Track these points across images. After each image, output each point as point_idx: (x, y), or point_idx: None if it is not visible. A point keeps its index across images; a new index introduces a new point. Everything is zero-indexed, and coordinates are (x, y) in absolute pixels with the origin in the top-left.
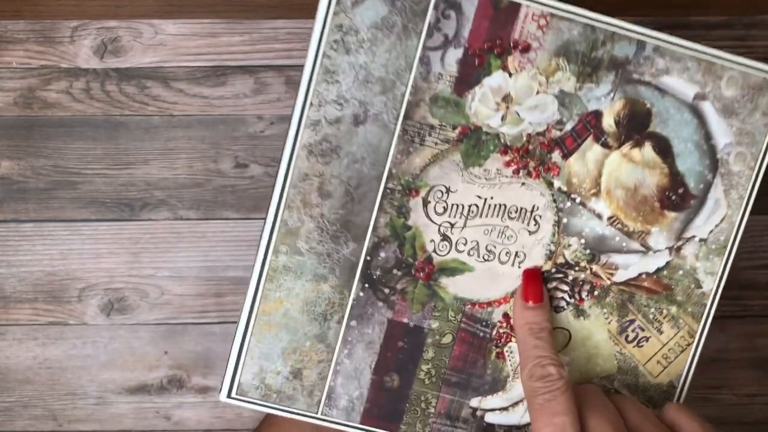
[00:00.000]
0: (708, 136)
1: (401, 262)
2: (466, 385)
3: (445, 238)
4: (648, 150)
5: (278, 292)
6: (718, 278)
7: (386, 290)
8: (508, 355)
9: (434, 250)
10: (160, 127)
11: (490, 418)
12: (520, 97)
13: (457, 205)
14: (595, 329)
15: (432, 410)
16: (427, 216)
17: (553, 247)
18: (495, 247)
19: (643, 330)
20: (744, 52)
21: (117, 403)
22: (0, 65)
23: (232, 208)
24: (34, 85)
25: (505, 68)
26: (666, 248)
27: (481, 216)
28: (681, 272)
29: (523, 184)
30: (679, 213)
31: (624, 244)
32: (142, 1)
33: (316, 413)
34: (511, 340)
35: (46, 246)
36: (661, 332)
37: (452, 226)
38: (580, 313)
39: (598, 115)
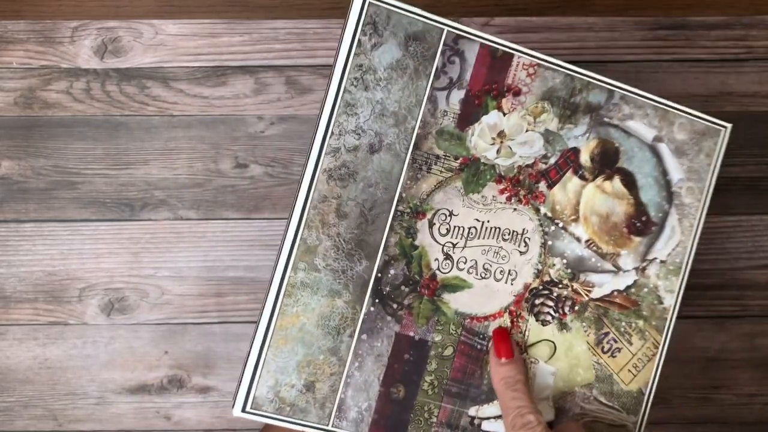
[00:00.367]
0: (665, 172)
1: (409, 279)
2: (465, 395)
3: (447, 257)
4: (617, 183)
5: (295, 306)
6: (676, 295)
7: (395, 305)
8: None
9: (438, 268)
10: (161, 127)
11: (486, 426)
12: (513, 133)
13: (459, 227)
14: (576, 341)
15: (434, 420)
16: (432, 237)
17: (540, 266)
18: (491, 265)
19: (616, 342)
20: (744, 52)
21: (117, 403)
22: (0, 65)
23: (232, 208)
24: (34, 85)
25: (500, 108)
26: (633, 268)
27: (479, 237)
28: (646, 290)
29: (514, 209)
30: (643, 238)
31: (599, 265)
32: (142, 1)
33: (327, 425)
34: None
35: (47, 246)
36: (631, 343)
37: (454, 246)
38: (563, 326)
39: (576, 151)
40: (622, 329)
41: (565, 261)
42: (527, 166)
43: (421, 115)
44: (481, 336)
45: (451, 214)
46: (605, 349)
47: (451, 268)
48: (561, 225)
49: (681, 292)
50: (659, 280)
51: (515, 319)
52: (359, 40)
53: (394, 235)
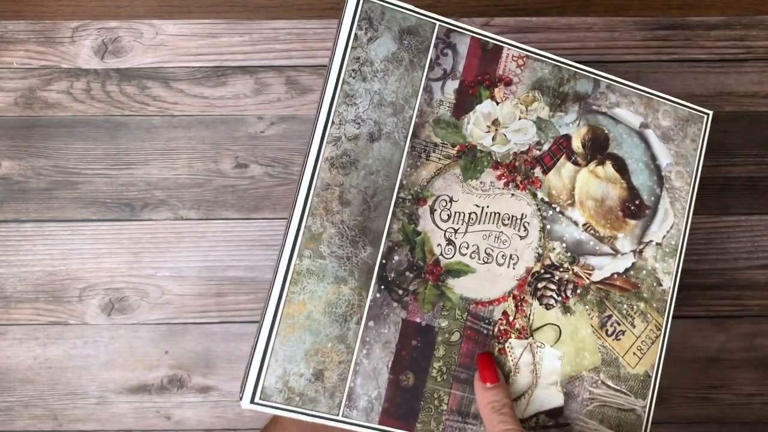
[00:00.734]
0: (654, 157)
1: (413, 265)
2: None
3: (450, 242)
4: (609, 168)
5: (302, 294)
6: (673, 277)
7: (400, 291)
8: (509, 351)
9: (441, 254)
10: (161, 127)
11: None
12: (506, 121)
13: (459, 213)
14: (580, 324)
15: (445, 407)
16: (434, 222)
17: (540, 251)
18: (493, 250)
19: (619, 324)
20: (744, 53)
21: (117, 402)
22: (1, 65)
23: (232, 208)
24: (34, 86)
25: (493, 98)
26: (630, 251)
27: (479, 222)
28: (644, 272)
29: (512, 194)
30: (637, 221)
31: (597, 248)
32: (143, 1)
33: (338, 415)
34: (510, 336)
35: (47, 246)
36: (634, 326)
37: (456, 231)
38: (566, 309)
39: (568, 138)
40: (625, 312)
41: (564, 245)
42: (522, 152)
43: (417, 105)
44: (487, 321)
45: (451, 200)
46: (609, 332)
47: (454, 254)
48: (558, 209)
49: (678, 274)
50: (657, 263)
51: (519, 304)
52: (356, 35)
53: (396, 221)
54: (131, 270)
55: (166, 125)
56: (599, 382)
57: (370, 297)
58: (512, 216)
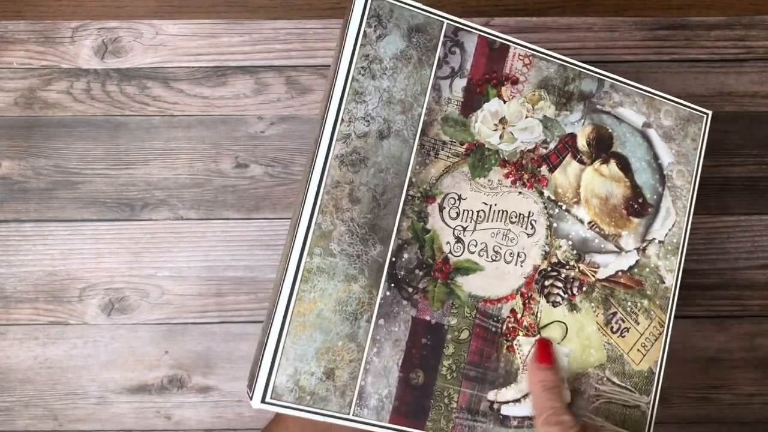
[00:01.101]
0: (656, 156)
1: (422, 263)
2: (483, 378)
3: (458, 240)
4: (613, 166)
5: (312, 292)
6: (675, 274)
7: (410, 289)
8: (517, 348)
9: (450, 251)
10: (161, 127)
11: (505, 410)
12: (513, 119)
13: (468, 211)
14: (586, 322)
15: (454, 405)
16: (443, 220)
17: (547, 248)
18: (501, 248)
19: (624, 321)
20: (744, 53)
21: (117, 402)
22: (1, 65)
23: (232, 208)
24: (34, 86)
25: (500, 96)
26: (634, 249)
27: (487, 220)
28: (648, 269)
29: (519, 192)
30: (641, 219)
31: (602, 246)
32: (143, 1)
33: (348, 414)
34: (518, 334)
35: (47, 246)
36: (638, 323)
37: (464, 229)
38: (573, 307)
39: (573, 137)
40: (629, 309)
41: (570, 242)
42: (529, 150)
43: (426, 103)
44: (495, 318)
45: (459, 198)
46: (614, 329)
47: (463, 251)
48: (564, 207)
49: (680, 272)
50: (659, 260)
51: (527, 301)
52: (365, 32)
53: (406, 219)
54: (131, 270)
55: (166, 125)
56: (605, 378)
57: (380, 295)
58: (519, 214)
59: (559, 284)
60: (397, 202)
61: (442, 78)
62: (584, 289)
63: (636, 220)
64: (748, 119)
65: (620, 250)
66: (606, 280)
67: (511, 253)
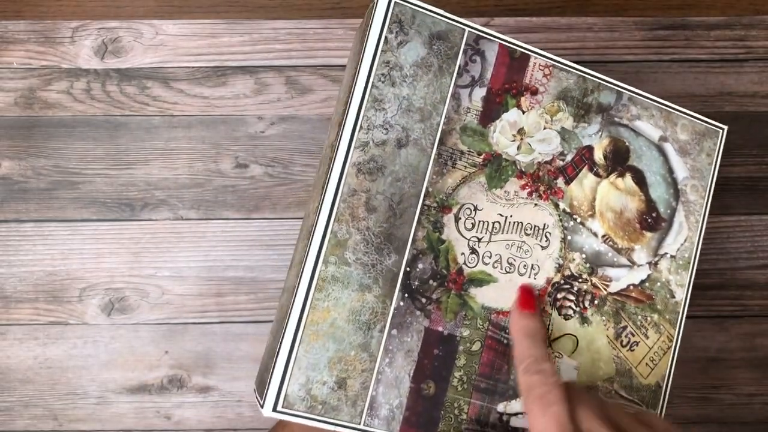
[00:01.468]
0: (671, 171)
1: (436, 273)
2: (494, 390)
3: (473, 251)
4: (628, 180)
5: (326, 301)
6: (686, 289)
7: (423, 300)
8: None
9: (464, 263)
10: (161, 127)
11: (514, 422)
12: (531, 130)
13: (483, 222)
14: (597, 335)
15: (464, 416)
16: (459, 231)
17: (561, 261)
18: (515, 260)
19: (633, 335)
20: (743, 53)
21: (117, 402)
22: (1, 65)
23: (232, 208)
24: (34, 86)
25: (519, 106)
26: (646, 263)
27: (502, 232)
28: (659, 284)
29: (535, 204)
30: (654, 233)
31: (615, 259)
32: (143, 1)
33: (359, 424)
34: None
35: (47, 246)
36: (647, 337)
37: (479, 240)
38: (584, 320)
39: (590, 149)
40: (639, 323)
41: (584, 256)
42: (546, 162)
43: (445, 112)
44: (507, 330)
45: (475, 208)
46: (624, 343)
47: (477, 263)
48: (579, 220)
49: (690, 287)
50: (670, 275)
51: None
52: (386, 38)
53: (421, 229)
54: (131, 270)
55: (166, 125)
56: (613, 392)
57: (393, 305)
58: (534, 226)
59: (572, 297)
60: (413, 212)
61: (462, 87)
62: (596, 302)
63: (649, 235)
64: (747, 119)
65: (633, 264)
66: (617, 293)
67: (524, 266)
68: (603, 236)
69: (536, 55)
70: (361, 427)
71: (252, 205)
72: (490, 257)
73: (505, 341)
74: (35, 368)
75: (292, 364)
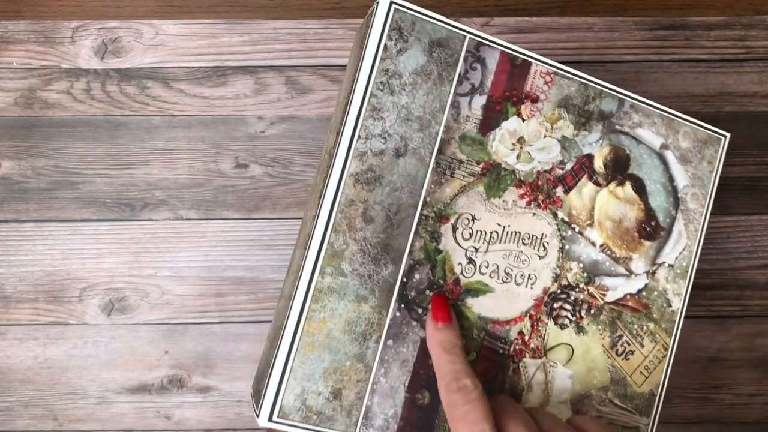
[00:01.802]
0: (671, 179)
1: (433, 284)
2: None
3: (470, 261)
4: (628, 188)
5: (323, 312)
6: (682, 298)
7: (420, 310)
8: (523, 370)
9: (461, 273)
10: (161, 127)
11: None
12: (531, 139)
13: (481, 232)
14: (593, 344)
15: None
16: (456, 241)
17: (558, 271)
18: (512, 270)
19: (629, 344)
20: (743, 53)
21: (118, 402)
22: (1, 65)
23: (232, 208)
24: (34, 86)
25: (519, 114)
26: (644, 272)
27: (500, 242)
28: (656, 293)
29: (534, 214)
30: (652, 242)
31: (612, 269)
32: (143, 1)
33: None
34: (525, 356)
35: (47, 246)
36: (642, 346)
37: (477, 250)
38: (580, 329)
39: (590, 157)
40: (635, 332)
41: (581, 265)
42: (545, 171)
43: (444, 120)
44: (503, 340)
45: (473, 218)
46: (619, 352)
47: (474, 273)
48: (577, 230)
49: (687, 296)
50: (668, 284)
51: (535, 324)
52: (385, 45)
53: (418, 239)
54: (131, 270)
55: (166, 125)
56: (607, 400)
57: (389, 316)
58: (532, 235)
59: (568, 307)
60: (411, 222)
61: (462, 95)
62: (592, 312)
63: (647, 243)
64: (747, 119)
65: (630, 273)
66: (614, 303)
67: (522, 275)
68: (601, 245)
69: (538, 62)
70: None
71: (252, 205)
72: (487, 267)
73: (501, 351)
74: (35, 368)
75: (287, 375)
